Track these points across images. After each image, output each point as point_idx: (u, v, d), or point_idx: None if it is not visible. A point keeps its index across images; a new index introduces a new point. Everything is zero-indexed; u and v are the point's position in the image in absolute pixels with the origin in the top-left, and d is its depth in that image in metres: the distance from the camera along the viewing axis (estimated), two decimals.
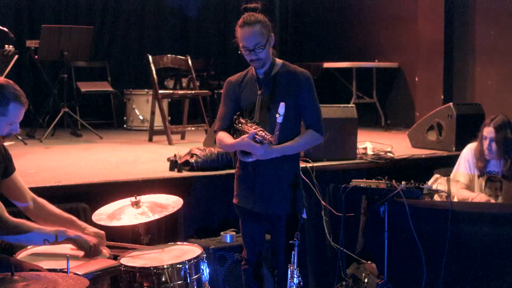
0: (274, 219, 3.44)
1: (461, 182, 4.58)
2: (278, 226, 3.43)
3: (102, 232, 3.25)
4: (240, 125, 3.36)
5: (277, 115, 3.06)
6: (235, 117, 3.42)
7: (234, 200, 3.53)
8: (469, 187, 4.56)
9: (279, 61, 3.46)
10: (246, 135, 3.23)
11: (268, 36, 3.34)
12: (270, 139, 3.14)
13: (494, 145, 4.39)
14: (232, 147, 3.39)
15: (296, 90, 3.38)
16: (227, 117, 3.46)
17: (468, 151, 4.59)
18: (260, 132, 3.20)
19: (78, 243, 3.09)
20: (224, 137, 3.41)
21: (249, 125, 3.30)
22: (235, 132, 3.40)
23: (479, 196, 4.40)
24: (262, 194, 3.39)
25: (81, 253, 3.12)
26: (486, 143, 4.43)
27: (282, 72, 3.42)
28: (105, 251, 3.23)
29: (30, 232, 2.95)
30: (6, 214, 2.95)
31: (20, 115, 2.97)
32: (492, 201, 4.41)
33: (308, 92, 3.40)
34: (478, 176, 4.54)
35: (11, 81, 2.97)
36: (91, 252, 3.10)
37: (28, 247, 3.17)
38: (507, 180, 4.45)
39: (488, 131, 4.42)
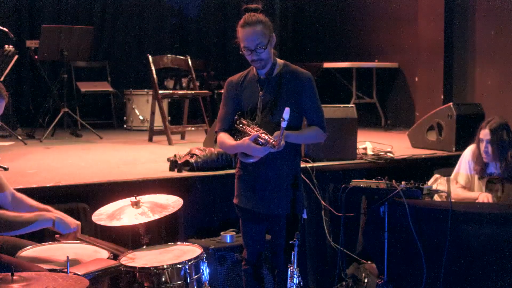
0: (274, 219, 3.44)
1: (459, 182, 4.59)
2: (278, 226, 3.43)
3: (78, 222, 3.24)
4: (241, 125, 3.35)
5: (282, 120, 3.04)
6: (236, 117, 3.40)
7: (235, 200, 3.53)
8: (468, 188, 4.56)
9: (280, 61, 3.45)
10: (248, 137, 3.22)
11: (270, 36, 3.33)
12: (273, 143, 3.12)
13: (490, 147, 4.40)
14: (233, 149, 3.38)
15: (298, 91, 3.38)
16: (227, 118, 3.45)
17: (469, 152, 4.60)
18: (263, 135, 3.18)
19: (58, 224, 3.08)
20: (225, 138, 3.40)
21: (251, 127, 3.29)
22: (235, 132, 3.39)
23: (481, 195, 4.40)
24: (263, 194, 3.38)
25: (81, 257, 3.12)
26: (483, 146, 4.45)
27: (283, 73, 3.41)
28: (105, 251, 3.23)
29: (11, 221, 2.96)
30: None
31: (0, 108, 2.99)
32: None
33: (310, 93, 3.40)
34: (479, 178, 4.54)
35: None
36: (69, 234, 3.12)
37: (28, 247, 3.17)
38: (507, 182, 4.46)
39: (484, 133, 4.44)
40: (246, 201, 3.45)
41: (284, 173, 3.37)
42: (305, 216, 3.61)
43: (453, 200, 4.53)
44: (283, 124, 3.06)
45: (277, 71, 3.41)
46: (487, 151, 4.43)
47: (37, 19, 8.24)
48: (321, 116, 3.44)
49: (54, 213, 3.17)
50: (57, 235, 3.17)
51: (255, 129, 3.25)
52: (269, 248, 3.77)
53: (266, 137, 3.16)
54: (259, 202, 3.40)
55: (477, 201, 4.41)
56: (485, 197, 4.38)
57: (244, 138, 3.24)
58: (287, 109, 3.05)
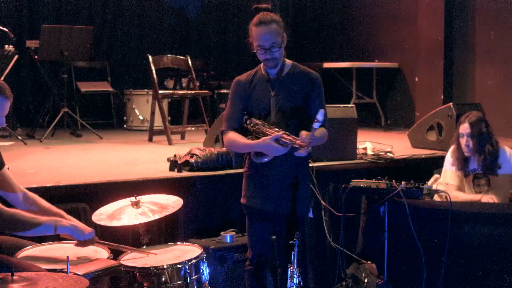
0: (283, 219, 3.41)
1: (451, 184, 4.59)
2: (286, 226, 3.41)
3: (91, 229, 3.23)
4: (254, 126, 3.30)
5: (315, 121, 3.03)
6: (245, 117, 3.37)
7: (242, 200, 3.51)
8: (460, 188, 4.57)
9: (288, 61, 3.46)
10: (268, 137, 3.18)
11: (283, 35, 3.34)
12: (301, 143, 3.10)
13: (470, 141, 4.43)
14: (248, 148, 3.33)
15: (308, 91, 3.39)
16: (236, 117, 3.41)
17: (450, 152, 4.63)
18: (285, 135, 3.16)
19: (73, 231, 3.08)
20: (237, 137, 3.36)
21: (268, 126, 3.26)
22: (245, 132, 3.35)
23: (485, 197, 4.40)
24: (274, 193, 3.36)
25: (80, 255, 3.12)
26: (463, 141, 4.48)
27: (293, 73, 3.42)
28: (105, 251, 3.23)
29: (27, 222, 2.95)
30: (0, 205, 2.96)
31: (5, 109, 3.02)
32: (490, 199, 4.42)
33: (319, 94, 3.43)
34: (464, 176, 4.56)
35: None
36: (86, 241, 3.10)
37: (28, 247, 3.17)
38: (490, 174, 4.48)
39: (464, 128, 4.48)
40: (255, 200, 3.43)
41: (294, 172, 3.36)
42: (311, 215, 3.61)
43: (457, 201, 4.53)
44: (316, 125, 3.05)
45: (286, 71, 3.42)
46: (468, 145, 4.45)
47: (37, 19, 8.23)
48: (326, 117, 3.45)
49: (68, 220, 3.14)
50: (75, 243, 3.14)
51: (275, 129, 3.23)
52: (270, 249, 3.77)
53: (291, 138, 3.14)
54: (269, 201, 3.38)
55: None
56: (487, 199, 4.39)
57: (264, 138, 3.20)
58: (321, 111, 3.05)
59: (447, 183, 4.61)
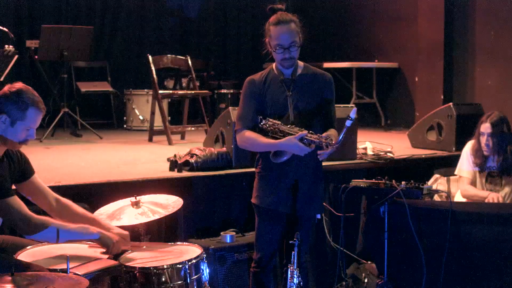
0: (302, 220, 3.41)
1: (464, 177, 4.61)
2: (305, 226, 3.42)
3: (126, 232, 3.25)
4: (270, 126, 3.28)
5: (349, 119, 3.05)
6: (260, 117, 3.34)
7: (254, 200, 3.50)
8: (473, 182, 4.60)
9: (300, 63, 3.46)
10: (294, 136, 3.16)
11: (300, 35, 3.36)
12: (329, 142, 3.10)
13: (491, 140, 4.45)
14: (272, 147, 3.27)
15: (321, 91, 3.41)
16: (250, 116, 3.38)
17: (469, 147, 4.64)
18: (310, 134, 3.15)
19: (101, 239, 3.10)
20: (257, 136, 3.33)
21: (289, 126, 3.25)
22: (260, 132, 3.33)
23: (491, 195, 4.41)
24: (294, 194, 3.33)
25: (83, 253, 3.12)
26: (483, 139, 4.51)
27: (306, 74, 3.43)
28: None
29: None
30: (29, 211, 2.98)
31: (37, 121, 3.06)
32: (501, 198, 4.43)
33: (331, 94, 3.46)
34: (479, 172, 4.58)
35: (30, 87, 3.03)
36: (113, 249, 3.11)
37: (28, 247, 3.17)
38: (505, 174, 4.50)
39: (485, 127, 4.51)
40: (269, 200, 3.42)
41: (309, 173, 3.37)
42: (318, 216, 3.60)
43: (462, 196, 4.56)
44: (348, 123, 3.06)
45: (299, 71, 3.43)
46: (488, 144, 4.49)
47: (37, 19, 8.23)
48: (335, 118, 3.47)
49: (97, 227, 3.15)
50: (100, 251, 3.15)
51: (296, 129, 3.22)
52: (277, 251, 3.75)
53: (316, 136, 3.14)
54: (283, 201, 3.37)
55: (486, 200, 4.42)
56: (494, 197, 4.40)
57: (289, 137, 3.18)
58: (354, 109, 3.09)
59: (461, 176, 4.64)
